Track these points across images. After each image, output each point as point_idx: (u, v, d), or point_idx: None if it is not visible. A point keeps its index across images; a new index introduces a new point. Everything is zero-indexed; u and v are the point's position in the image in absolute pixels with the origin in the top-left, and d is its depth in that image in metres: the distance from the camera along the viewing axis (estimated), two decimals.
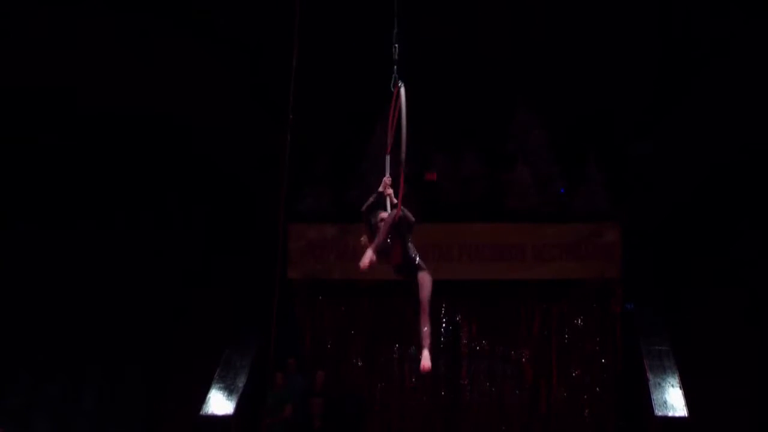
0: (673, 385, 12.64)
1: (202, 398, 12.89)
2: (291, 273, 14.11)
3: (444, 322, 14.37)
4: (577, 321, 14.13)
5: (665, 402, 12.44)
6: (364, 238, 6.86)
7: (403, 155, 6.73)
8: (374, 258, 6.49)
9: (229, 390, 12.99)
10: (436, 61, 14.79)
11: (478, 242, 14.12)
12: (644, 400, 12.75)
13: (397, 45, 7.54)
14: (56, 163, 14.76)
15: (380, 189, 7.04)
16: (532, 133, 14.61)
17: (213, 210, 15.11)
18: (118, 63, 14.43)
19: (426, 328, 6.56)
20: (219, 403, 12.87)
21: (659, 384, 12.68)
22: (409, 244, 6.82)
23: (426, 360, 6.49)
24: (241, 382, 13.07)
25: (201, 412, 12.76)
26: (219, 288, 14.35)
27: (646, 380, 12.80)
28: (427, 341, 6.55)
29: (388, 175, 7.09)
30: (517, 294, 14.20)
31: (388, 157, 7.23)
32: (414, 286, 6.72)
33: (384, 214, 6.84)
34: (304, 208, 14.29)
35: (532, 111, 14.71)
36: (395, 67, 7.31)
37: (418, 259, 6.79)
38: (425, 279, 6.69)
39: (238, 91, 15.11)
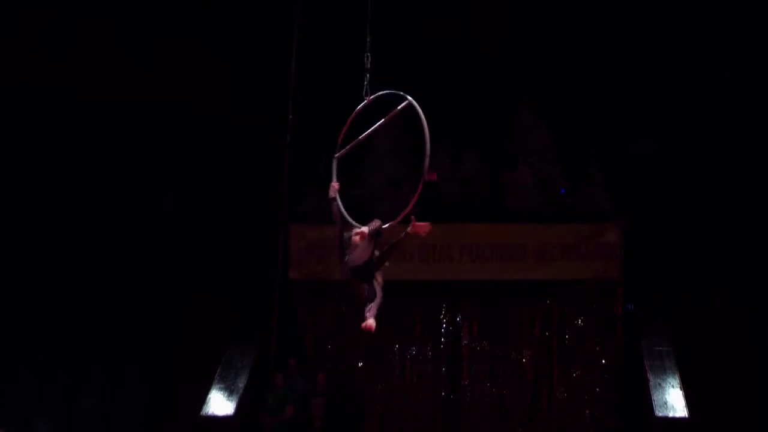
0: (673, 386, 12.65)
1: (203, 398, 12.90)
2: (292, 273, 14.10)
3: (445, 323, 14.37)
4: (578, 321, 14.12)
5: (666, 402, 12.45)
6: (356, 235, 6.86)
7: (426, 167, 6.72)
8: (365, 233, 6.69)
9: (229, 390, 13.00)
10: (437, 61, 14.79)
11: (479, 242, 14.10)
12: (645, 401, 12.76)
13: (369, 54, 7.56)
14: (56, 163, 14.75)
15: (331, 195, 7.10)
16: (533, 133, 14.60)
17: (214, 210, 15.11)
18: (118, 63, 14.42)
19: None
20: (219, 404, 12.87)
21: (660, 384, 12.69)
22: (377, 260, 6.85)
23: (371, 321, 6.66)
24: (241, 383, 13.08)
25: (201, 413, 12.77)
26: (220, 288, 14.35)
27: (647, 381, 12.81)
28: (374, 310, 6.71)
29: (335, 180, 7.18)
30: (518, 294, 14.19)
31: (335, 162, 7.22)
32: (362, 289, 6.80)
33: (364, 229, 6.86)
34: (304, 209, 14.28)
35: (533, 111, 14.70)
36: (367, 75, 7.34)
37: (379, 278, 6.86)
38: (379, 290, 6.80)
39: (239, 92, 15.10)
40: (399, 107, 7.00)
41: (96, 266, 14.41)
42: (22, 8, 13.90)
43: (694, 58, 14.66)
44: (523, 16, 14.95)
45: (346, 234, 6.96)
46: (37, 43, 14.15)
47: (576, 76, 14.74)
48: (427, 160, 6.72)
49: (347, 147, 7.32)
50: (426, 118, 7.11)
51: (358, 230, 6.88)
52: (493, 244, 14.10)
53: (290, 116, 10.78)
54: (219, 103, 14.94)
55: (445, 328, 14.38)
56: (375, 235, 6.72)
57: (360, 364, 14.35)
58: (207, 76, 14.87)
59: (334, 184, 7.16)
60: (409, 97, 6.91)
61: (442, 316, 14.37)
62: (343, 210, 7.03)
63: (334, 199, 7.10)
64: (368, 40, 7.70)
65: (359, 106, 7.25)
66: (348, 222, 7.00)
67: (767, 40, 14.03)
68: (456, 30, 14.98)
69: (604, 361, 13.96)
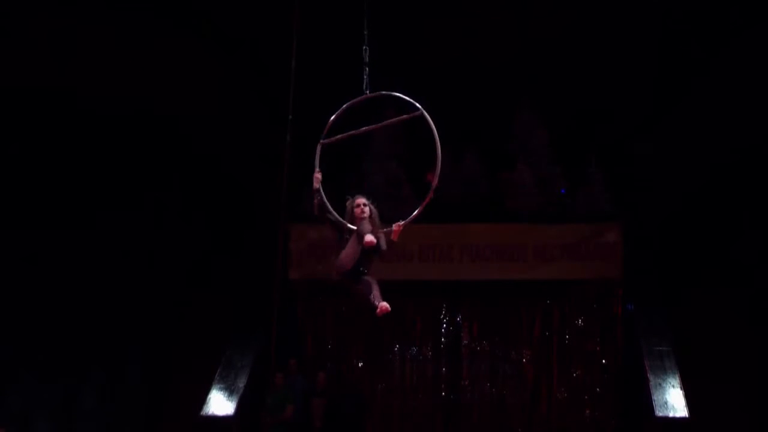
0: (673, 386, 12.64)
1: (203, 398, 12.90)
2: (292, 273, 14.11)
3: (445, 323, 14.37)
4: (578, 321, 14.13)
5: (666, 402, 12.44)
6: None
7: (435, 182, 6.82)
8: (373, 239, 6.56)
9: (229, 390, 12.99)
10: (437, 61, 14.79)
11: (479, 242, 14.11)
12: (645, 401, 12.75)
13: (367, 47, 7.51)
14: (56, 163, 14.74)
15: (315, 186, 6.86)
16: (533, 133, 14.61)
17: (214, 210, 15.11)
18: (118, 63, 14.41)
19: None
20: (219, 404, 12.87)
21: (660, 384, 12.68)
22: (364, 266, 6.79)
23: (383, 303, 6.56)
24: (241, 383, 13.07)
25: (201, 413, 12.77)
26: (220, 288, 14.35)
27: (647, 381, 12.80)
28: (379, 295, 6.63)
29: (318, 169, 6.97)
30: (518, 294, 14.20)
31: (319, 148, 7.08)
32: (359, 289, 6.74)
33: (362, 200, 6.86)
34: (304, 209, 14.27)
35: (533, 111, 14.70)
36: (366, 69, 7.29)
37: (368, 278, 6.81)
38: (372, 280, 6.75)
39: (239, 92, 15.10)
40: (408, 116, 6.92)
41: (96, 266, 14.40)
42: (22, 9, 13.90)
43: (694, 58, 14.65)
44: (524, 16, 14.95)
45: (348, 205, 6.85)
46: (37, 44, 14.15)
47: (576, 76, 14.74)
48: (436, 179, 6.80)
49: (336, 137, 7.11)
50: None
51: (363, 202, 6.85)
52: (493, 244, 14.10)
53: (290, 116, 10.79)
54: (219, 103, 14.94)
55: (445, 328, 14.38)
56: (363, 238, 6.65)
57: (360, 364, 14.36)
58: (207, 76, 14.87)
59: (317, 174, 6.88)
60: (421, 108, 6.82)
61: (442, 316, 14.38)
62: (326, 202, 6.85)
63: (318, 190, 6.82)
64: (365, 32, 7.64)
65: (356, 99, 7.17)
66: (332, 214, 6.83)
67: (767, 40, 14.03)
68: (456, 30, 14.98)
69: (604, 361, 13.97)
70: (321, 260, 14.04)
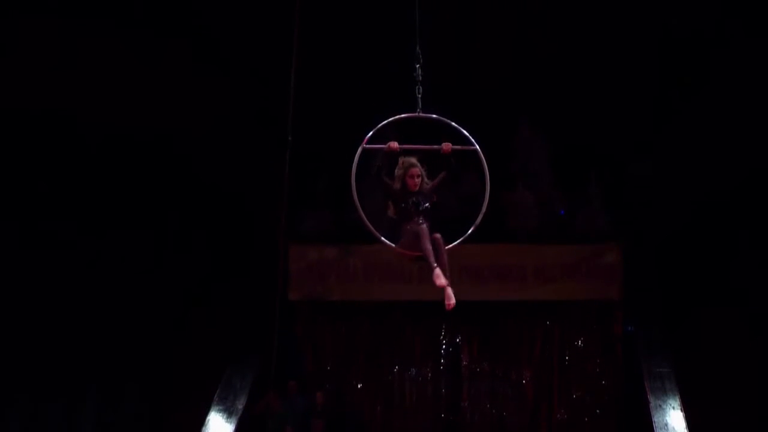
0: (674, 408, 12.60)
1: (202, 420, 12.85)
2: (291, 294, 14.08)
3: (444, 344, 14.34)
4: (578, 342, 14.09)
5: (666, 424, 12.40)
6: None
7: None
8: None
9: (228, 412, 12.95)
10: (436, 79, 14.80)
11: (479, 263, 14.07)
12: (645, 423, 12.71)
13: (419, 65, 7.58)
14: (56, 185, 14.75)
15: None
16: (533, 153, 14.62)
17: (213, 230, 15.10)
18: (118, 85, 14.45)
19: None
20: (218, 425, 12.83)
21: (660, 406, 12.64)
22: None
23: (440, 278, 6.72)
24: (240, 404, 13.03)
25: None
26: (219, 309, 14.32)
27: (647, 402, 12.76)
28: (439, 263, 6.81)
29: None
30: (518, 315, 14.18)
31: (359, 151, 7.24)
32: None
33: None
34: (304, 229, 14.27)
35: (533, 131, 14.72)
36: (419, 87, 7.36)
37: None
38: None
39: (239, 113, 15.13)
40: (461, 147, 7.15)
41: (95, 286, 14.38)
42: (22, 29, 13.96)
43: (693, 78, 14.69)
44: (524, 36, 15.01)
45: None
46: (38, 65, 14.20)
47: (576, 96, 14.77)
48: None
49: (377, 146, 7.31)
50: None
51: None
52: (493, 264, 14.08)
53: (289, 137, 10.81)
54: (218, 124, 14.96)
55: (444, 349, 14.35)
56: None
57: (359, 385, 14.31)
58: (207, 98, 14.90)
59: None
60: (477, 146, 7.14)
61: (441, 337, 14.34)
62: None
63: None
64: (418, 50, 7.68)
65: (408, 115, 7.22)
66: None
67: (766, 60, 14.07)
68: (457, 48, 15.03)
69: (604, 383, 13.93)
70: (320, 280, 14.05)
